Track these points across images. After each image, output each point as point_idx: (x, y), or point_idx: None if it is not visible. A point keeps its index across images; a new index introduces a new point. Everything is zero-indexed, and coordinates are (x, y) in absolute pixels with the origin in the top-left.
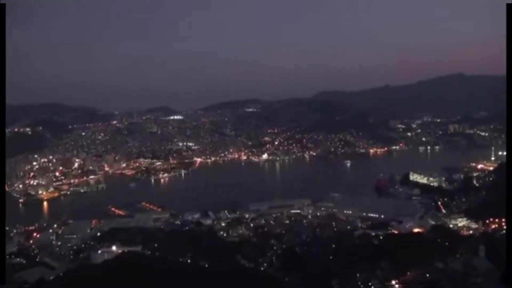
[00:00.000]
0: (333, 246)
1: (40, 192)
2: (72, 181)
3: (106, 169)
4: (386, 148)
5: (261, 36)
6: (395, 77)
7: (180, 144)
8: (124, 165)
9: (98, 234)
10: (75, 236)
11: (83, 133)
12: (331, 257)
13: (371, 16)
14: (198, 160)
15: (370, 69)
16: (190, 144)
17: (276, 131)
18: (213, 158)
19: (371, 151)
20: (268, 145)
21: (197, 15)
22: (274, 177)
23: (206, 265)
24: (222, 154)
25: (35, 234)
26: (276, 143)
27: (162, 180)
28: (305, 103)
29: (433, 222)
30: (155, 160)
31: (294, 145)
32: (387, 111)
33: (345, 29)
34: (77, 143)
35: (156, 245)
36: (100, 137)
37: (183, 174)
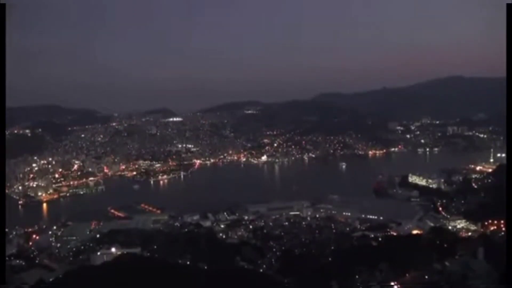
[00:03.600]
0: (332, 247)
1: (39, 193)
2: (71, 182)
3: (106, 171)
4: (385, 150)
5: (259, 37)
6: (394, 78)
7: (179, 146)
8: (123, 167)
9: (98, 235)
10: (74, 237)
11: (83, 135)
12: (330, 259)
13: (370, 16)
14: (197, 162)
15: (369, 70)
16: (189, 146)
17: (275, 133)
18: (212, 160)
19: (370, 153)
20: (267, 147)
21: (195, 16)
22: (273, 179)
23: (206, 267)
24: (222, 156)
25: (34, 236)
26: (275, 145)
27: (161, 182)
28: (304, 105)
29: (432, 224)
30: (154, 162)
31: (293, 147)
32: (386, 113)
33: (343, 30)
34: (77, 145)
35: (155, 246)
36: (99, 139)
37: (182, 176)
